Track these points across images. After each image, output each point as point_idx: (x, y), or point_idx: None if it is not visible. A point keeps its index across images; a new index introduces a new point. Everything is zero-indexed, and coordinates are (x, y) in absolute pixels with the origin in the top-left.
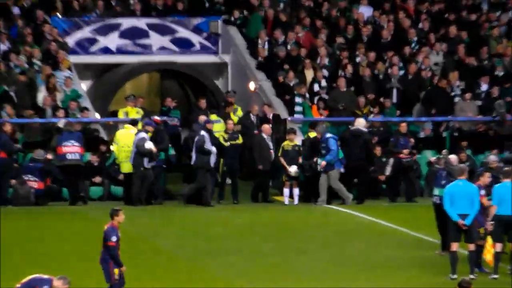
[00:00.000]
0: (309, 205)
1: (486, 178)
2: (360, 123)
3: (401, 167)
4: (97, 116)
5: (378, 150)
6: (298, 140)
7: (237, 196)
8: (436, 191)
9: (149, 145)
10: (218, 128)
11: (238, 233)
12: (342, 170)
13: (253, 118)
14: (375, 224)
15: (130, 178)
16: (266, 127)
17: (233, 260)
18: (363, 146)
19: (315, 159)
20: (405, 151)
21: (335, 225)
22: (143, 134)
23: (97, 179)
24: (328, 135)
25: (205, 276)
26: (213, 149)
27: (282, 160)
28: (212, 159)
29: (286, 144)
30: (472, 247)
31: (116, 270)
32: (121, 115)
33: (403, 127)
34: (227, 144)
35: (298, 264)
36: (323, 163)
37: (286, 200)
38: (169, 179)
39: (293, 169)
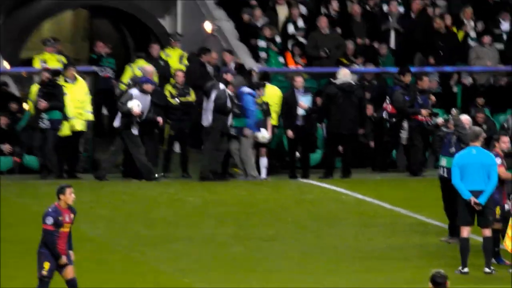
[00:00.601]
0: (280, 179)
1: (503, 144)
2: (346, 75)
3: (422, 132)
4: (6, 65)
5: (369, 109)
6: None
7: (187, 168)
8: (443, 161)
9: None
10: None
11: (188, 215)
12: (291, 134)
13: (209, 68)
14: (364, 204)
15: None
16: (228, 79)
17: (182, 250)
18: (356, 105)
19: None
20: (424, 111)
21: (314, 205)
22: None
23: (7, 147)
24: (245, 89)
25: (145, 270)
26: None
27: None
28: (230, 120)
29: None
30: (488, 232)
31: (46, 264)
32: (37, 64)
33: (425, 81)
34: (175, 101)
35: (265, 255)
36: (247, 130)
37: (263, 172)
38: (98, 146)
39: (260, 134)
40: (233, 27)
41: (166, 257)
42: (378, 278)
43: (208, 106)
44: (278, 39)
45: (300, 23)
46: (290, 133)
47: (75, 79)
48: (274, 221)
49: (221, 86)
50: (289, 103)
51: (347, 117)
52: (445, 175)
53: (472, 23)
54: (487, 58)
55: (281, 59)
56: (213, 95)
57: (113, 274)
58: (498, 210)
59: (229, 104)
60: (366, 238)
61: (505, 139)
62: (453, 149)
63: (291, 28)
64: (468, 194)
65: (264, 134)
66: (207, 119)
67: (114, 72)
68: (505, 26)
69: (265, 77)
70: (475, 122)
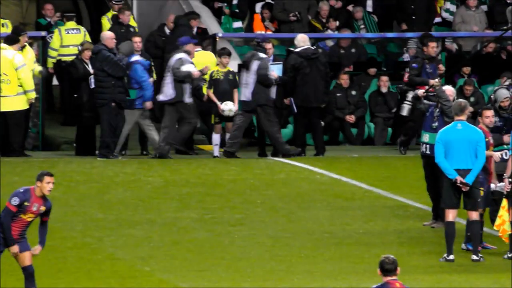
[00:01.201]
0: (248, 158)
1: (487, 119)
2: (306, 41)
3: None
4: None
5: (344, 79)
6: (233, 65)
7: (147, 145)
8: (425, 137)
9: (188, 67)
10: (75, 41)
11: (147, 197)
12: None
13: (168, 32)
14: (340, 184)
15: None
16: (190, 46)
17: (140, 235)
18: (324, 73)
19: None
20: (433, 81)
21: (285, 185)
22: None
23: None
24: (135, 58)
25: (101, 258)
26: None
27: (210, 93)
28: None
29: (216, 70)
30: (475, 215)
31: None
32: None
33: (433, 48)
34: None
35: (233, 241)
36: (148, 103)
37: (215, 150)
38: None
39: (226, 106)
40: None
41: (124, 243)
42: (355, 266)
43: (249, 78)
44: (235, 1)
45: None
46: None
47: (22, 48)
48: (242, 203)
49: (262, 55)
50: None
51: (316, 88)
52: (428, 152)
53: None
54: (473, 22)
55: (237, 24)
56: (254, 66)
57: (66, 262)
58: (481, 193)
59: (271, 75)
60: (342, 222)
61: (488, 113)
62: (435, 124)
63: None
64: (453, 173)
65: (230, 107)
66: (247, 93)
67: None
68: None
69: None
70: (461, 93)
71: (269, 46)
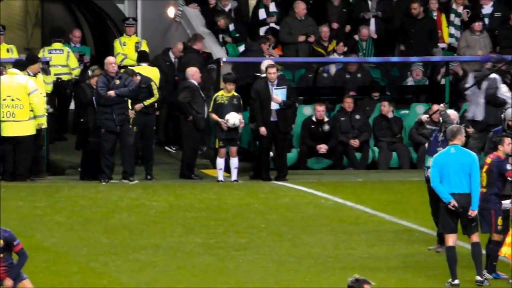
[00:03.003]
0: (252, 182)
1: (508, 146)
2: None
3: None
4: None
5: (348, 103)
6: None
7: (151, 169)
8: (430, 162)
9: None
10: (58, 61)
11: (152, 222)
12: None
13: (173, 58)
14: (344, 209)
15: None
16: (194, 70)
17: (145, 260)
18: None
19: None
20: (439, 106)
21: (289, 210)
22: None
23: None
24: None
25: (106, 283)
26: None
27: (214, 116)
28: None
29: (220, 95)
30: (475, 237)
31: None
32: None
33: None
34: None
35: (237, 265)
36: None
37: (220, 175)
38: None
39: (230, 116)
40: (199, 12)
41: (128, 268)
42: None
43: (479, 98)
44: (231, 27)
45: (272, 7)
46: (263, 130)
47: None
48: (246, 228)
49: (492, 75)
50: (262, 97)
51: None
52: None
53: (460, 7)
54: (478, 46)
55: (242, 47)
56: (484, 85)
57: (71, 286)
58: (500, 221)
59: (499, 94)
60: (347, 247)
61: (508, 140)
62: (440, 148)
63: (262, 13)
64: (448, 197)
65: (234, 115)
66: (478, 112)
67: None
68: (486, 10)
69: (143, 57)
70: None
71: (273, 70)
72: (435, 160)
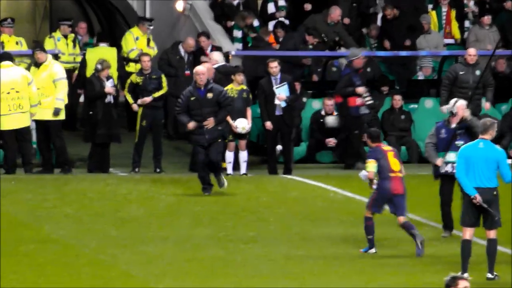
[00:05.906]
0: (261, 175)
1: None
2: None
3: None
4: None
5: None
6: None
7: (160, 162)
8: (451, 156)
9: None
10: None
11: (161, 214)
12: None
13: (183, 53)
14: (353, 202)
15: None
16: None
17: (154, 252)
18: None
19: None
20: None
21: (298, 203)
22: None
23: None
24: None
25: (115, 275)
26: None
27: None
28: None
29: (230, 88)
30: (493, 234)
31: None
32: None
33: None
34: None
35: (246, 258)
36: None
37: (229, 168)
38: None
39: (240, 124)
40: (207, 5)
41: (137, 260)
42: (368, 284)
43: None
44: (256, 23)
45: (282, 1)
46: (268, 124)
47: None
48: (255, 221)
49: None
50: (266, 91)
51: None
52: (454, 171)
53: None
54: (487, 40)
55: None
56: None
57: (80, 279)
58: None
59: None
60: (356, 240)
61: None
62: (461, 142)
63: (271, 7)
64: (472, 191)
65: (243, 125)
66: None
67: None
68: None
69: (102, 38)
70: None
71: (274, 64)
72: (462, 152)
